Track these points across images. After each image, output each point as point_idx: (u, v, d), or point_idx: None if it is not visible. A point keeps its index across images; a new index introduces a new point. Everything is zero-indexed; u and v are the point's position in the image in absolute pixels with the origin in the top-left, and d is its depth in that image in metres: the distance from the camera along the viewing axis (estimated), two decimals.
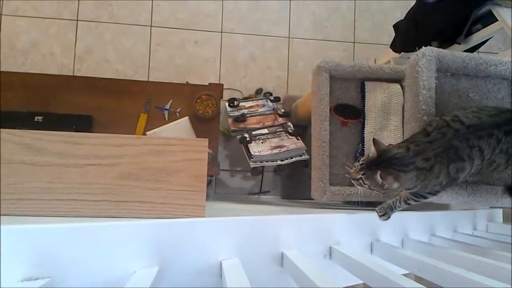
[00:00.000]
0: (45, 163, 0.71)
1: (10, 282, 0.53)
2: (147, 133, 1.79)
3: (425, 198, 1.01)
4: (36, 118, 1.70)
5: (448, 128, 0.96)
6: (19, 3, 2.43)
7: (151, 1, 2.54)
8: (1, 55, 2.40)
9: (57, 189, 0.71)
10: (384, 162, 0.90)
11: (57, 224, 0.57)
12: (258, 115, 2.01)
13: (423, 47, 1.16)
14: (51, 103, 1.75)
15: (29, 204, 0.70)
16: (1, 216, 0.67)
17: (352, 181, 0.99)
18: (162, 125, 1.80)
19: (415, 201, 1.01)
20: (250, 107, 2.08)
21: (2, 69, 2.34)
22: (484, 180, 1.12)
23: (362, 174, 0.93)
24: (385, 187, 0.90)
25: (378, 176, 0.88)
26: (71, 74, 2.43)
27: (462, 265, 0.75)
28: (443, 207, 1.36)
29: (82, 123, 1.74)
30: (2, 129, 0.71)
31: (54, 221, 0.58)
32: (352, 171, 0.98)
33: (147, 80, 2.48)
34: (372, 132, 1.52)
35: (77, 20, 2.48)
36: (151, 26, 2.53)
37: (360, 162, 0.96)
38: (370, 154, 0.94)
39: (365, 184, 0.93)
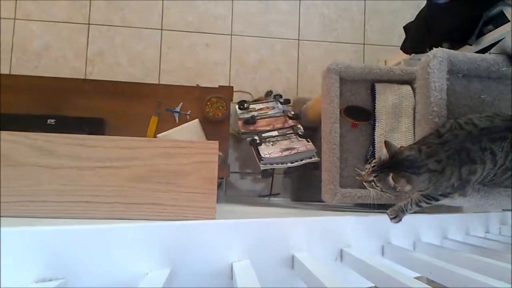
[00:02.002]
0: (58, 166, 0.72)
1: (24, 283, 0.53)
2: (158, 135, 1.80)
3: (437, 200, 1.00)
4: (48, 121, 1.73)
5: (460, 130, 0.95)
6: (32, 7, 2.47)
7: (161, 5, 2.56)
8: (14, 59, 2.43)
9: (69, 191, 0.72)
10: (396, 164, 0.90)
11: (70, 226, 0.58)
12: (268, 117, 2.01)
13: (434, 48, 1.16)
14: (63, 106, 1.78)
15: (42, 206, 0.71)
16: (15, 218, 0.68)
17: (364, 183, 0.99)
18: (172, 128, 1.82)
19: (427, 203, 1.00)
20: (260, 109, 2.08)
21: (15, 73, 2.38)
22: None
23: (374, 177, 0.92)
24: (397, 190, 0.89)
25: (390, 178, 0.88)
26: (83, 78, 2.46)
27: (474, 268, 0.74)
28: (455, 209, 1.35)
29: (94, 126, 1.76)
30: (15, 132, 0.72)
31: (67, 223, 0.59)
32: (363, 173, 0.98)
33: (157, 83, 2.50)
34: (382, 134, 1.51)
35: (88, 24, 2.51)
36: (161, 29, 2.55)
37: (372, 164, 0.95)
38: (382, 156, 0.93)
39: (377, 186, 0.93)
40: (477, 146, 0.92)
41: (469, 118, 0.98)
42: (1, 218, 0.68)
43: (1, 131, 0.71)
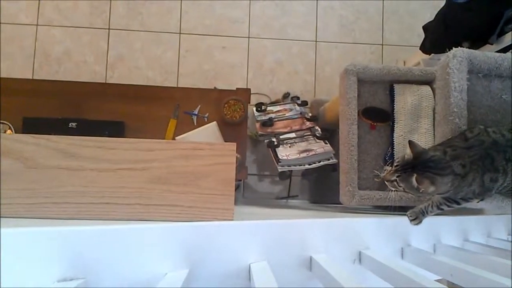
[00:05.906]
0: (79, 168, 0.73)
1: (47, 282, 0.55)
2: (177, 138, 1.82)
3: (458, 204, 0.98)
4: (70, 124, 1.76)
5: (487, 137, 0.94)
6: (53, 13, 2.52)
7: (179, 9, 2.59)
8: (37, 64, 2.49)
9: (90, 193, 0.73)
10: (420, 164, 0.88)
11: (91, 226, 0.59)
12: (286, 119, 2.01)
13: (453, 48, 1.14)
14: (85, 109, 1.81)
15: (64, 208, 0.72)
16: (38, 219, 0.70)
17: (386, 183, 0.97)
18: (191, 130, 1.83)
19: (448, 206, 0.99)
20: (278, 111, 2.08)
21: (37, 78, 2.44)
22: None
23: (397, 176, 0.91)
24: (420, 191, 0.88)
25: (413, 179, 0.86)
26: (104, 81, 2.50)
27: (496, 270, 0.73)
28: (477, 211, 1.32)
29: (114, 129, 1.79)
30: (39, 135, 0.74)
31: (88, 224, 0.60)
32: (385, 173, 0.97)
33: (176, 86, 2.53)
34: (401, 135, 1.50)
35: (108, 29, 2.55)
36: (180, 33, 2.58)
37: (395, 164, 0.94)
38: (406, 156, 0.92)
39: (400, 186, 0.92)
40: (501, 155, 0.91)
41: (499, 128, 0.97)
42: (25, 219, 0.70)
43: (25, 134, 0.73)
